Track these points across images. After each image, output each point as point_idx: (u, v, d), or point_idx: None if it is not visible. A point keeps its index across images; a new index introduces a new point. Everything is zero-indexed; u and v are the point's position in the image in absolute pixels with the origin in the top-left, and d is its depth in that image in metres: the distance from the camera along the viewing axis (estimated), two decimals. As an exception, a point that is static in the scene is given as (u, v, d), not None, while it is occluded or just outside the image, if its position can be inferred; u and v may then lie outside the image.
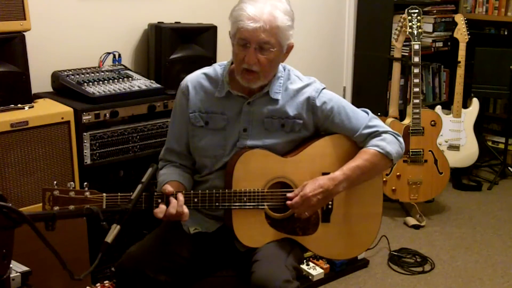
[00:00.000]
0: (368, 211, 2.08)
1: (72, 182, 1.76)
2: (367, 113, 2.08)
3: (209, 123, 2.00)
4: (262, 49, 1.87)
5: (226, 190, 1.88)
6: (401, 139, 2.07)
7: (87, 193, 1.72)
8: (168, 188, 1.83)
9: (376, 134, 2.03)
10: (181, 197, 1.81)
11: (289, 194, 1.92)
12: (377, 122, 2.06)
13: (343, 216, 2.03)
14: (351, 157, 2.00)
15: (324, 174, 1.98)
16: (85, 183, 1.76)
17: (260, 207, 1.91)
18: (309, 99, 2.01)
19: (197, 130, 2.02)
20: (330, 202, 2.01)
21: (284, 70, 2.05)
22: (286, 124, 1.99)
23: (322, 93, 2.03)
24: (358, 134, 2.02)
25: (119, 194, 1.74)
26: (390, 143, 2.01)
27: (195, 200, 1.85)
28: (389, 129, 2.06)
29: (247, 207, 1.89)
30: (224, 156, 1.98)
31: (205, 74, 2.05)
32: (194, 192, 1.87)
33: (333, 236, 2.02)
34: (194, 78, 2.05)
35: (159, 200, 1.79)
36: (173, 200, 1.79)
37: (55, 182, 1.78)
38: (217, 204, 1.87)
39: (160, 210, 1.78)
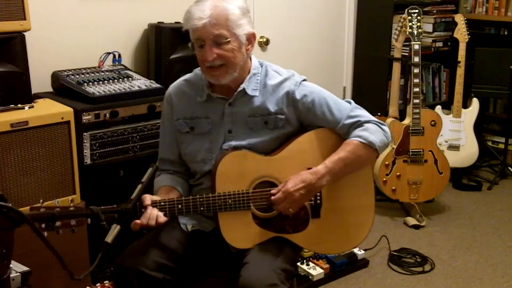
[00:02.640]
0: (360, 203, 2.04)
1: (58, 200, 1.72)
2: (350, 103, 2.04)
3: (195, 128, 2.01)
4: (218, 44, 1.87)
5: (210, 194, 1.87)
6: (385, 128, 2.02)
7: (72, 209, 1.68)
8: (146, 199, 1.81)
9: (358, 124, 1.98)
10: (147, 201, 1.79)
11: (273, 191, 1.91)
12: (359, 112, 2.01)
13: (334, 210, 2.00)
14: (336, 150, 1.97)
15: (309, 169, 1.94)
16: (70, 198, 1.73)
17: (246, 208, 1.90)
18: (288, 93, 1.98)
19: (184, 136, 2.03)
20: (318, 197, 1.98)
21: (262, 66, 2.03)
22: (269, 121, 1.98)
23: (301, 85, 2.00)
24: (341, 125, 1.98)
25: (101, 207, 1.68)
26: (373, 133, 1.97)
27: (179, 206, 1.84)
28: (372, 118, 2.02)
29: (233, 209, 1.88)
30: (213, 159, 1.97)
31: (186, 80, 2.08)
32: (177, 198, 1.86)
33: (325, 231, 2.00)
34: (175, 86, 2.08)
35: (143, 210, 1.78)
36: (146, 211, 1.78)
37: (41, 200, 1.72)
38: (201, 209, 1.86)
39: (134, 226, 1.77)
